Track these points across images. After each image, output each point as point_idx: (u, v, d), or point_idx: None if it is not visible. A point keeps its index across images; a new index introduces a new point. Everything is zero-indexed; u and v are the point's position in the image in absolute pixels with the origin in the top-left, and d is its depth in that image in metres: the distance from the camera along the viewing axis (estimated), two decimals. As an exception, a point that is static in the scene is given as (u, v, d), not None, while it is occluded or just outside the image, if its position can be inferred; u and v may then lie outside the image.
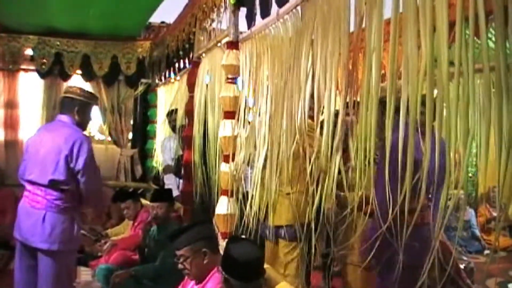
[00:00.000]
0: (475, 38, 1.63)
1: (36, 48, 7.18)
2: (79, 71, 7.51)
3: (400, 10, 1.89)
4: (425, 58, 1.73)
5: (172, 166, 6.27)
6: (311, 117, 2.63)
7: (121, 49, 7.39)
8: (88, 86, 7.68)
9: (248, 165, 3.51)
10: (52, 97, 7.78)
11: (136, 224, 5.65)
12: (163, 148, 6.74)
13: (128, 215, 5.85)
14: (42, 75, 7.40)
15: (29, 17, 6.43)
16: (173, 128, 6.35)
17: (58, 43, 7.23)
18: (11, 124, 7.61)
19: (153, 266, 4.59)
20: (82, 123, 4.15)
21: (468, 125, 1.65)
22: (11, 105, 7.46)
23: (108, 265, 5.17)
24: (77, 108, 4.07)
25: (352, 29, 2.28)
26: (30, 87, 7.73)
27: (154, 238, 4.82)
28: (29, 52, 7.30)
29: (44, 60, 7.24)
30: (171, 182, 6.10)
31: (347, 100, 2.25)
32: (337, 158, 2.24)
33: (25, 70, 7.60)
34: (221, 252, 3.34)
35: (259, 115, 3.26)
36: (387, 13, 1.99)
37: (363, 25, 2.14)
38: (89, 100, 4.18)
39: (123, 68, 7.43)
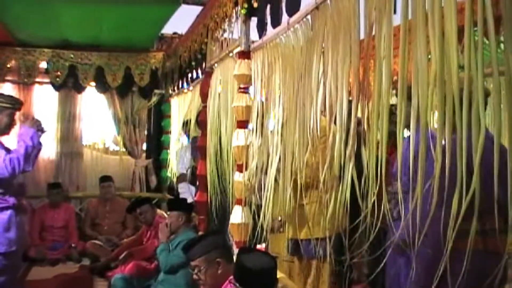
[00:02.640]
0: (485, 41, 1.62)
1: (51, 61, 7.26)
2: (93, 83, 7.60)
3: (409, 17, 1.89)
4: (435, 64, 1.73)
5: (186, 175, 6.30)
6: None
7: (134, 61, 7.45)
8: (102, 98, 7.79)
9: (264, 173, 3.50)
10: (67, 110, 7.89)
11: (152, 228, 5.69)
12: (179, 158, 6.77)
13: (144, 220, 5.88)
14: (57, 88, 7.49)
15: (43, 31, 6.50)
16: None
17: (72, 55, 7.30)
18: (27, 137, 7.65)
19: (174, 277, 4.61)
20: None
21: (479, 130, 1.64)
22: (26, 117, 7.51)
23: (124, 275, 5.18)
24: None
25: (362, 36, 2.29)
26: (45, 99, 7.82)
27: (169, 248, 4.82)
28: (43, 65, 7.38)
29: (59, 73, 7.31)
30: (185, 191, 6.11)
31: (359, 107, 2.25)
32: (350, 166, 2.24)
33: (40, 83, 7.68)
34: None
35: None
36: (396, 19, 2.00)
37: (373, 33, 2.15)
38: (2, 103, 4.15)
39: (136, 80, 7.48)
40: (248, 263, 2.85)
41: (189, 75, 6.08)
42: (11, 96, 4.41)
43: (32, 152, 4.11)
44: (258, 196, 3.47)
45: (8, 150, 4.09)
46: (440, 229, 1.76)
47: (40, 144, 4.20)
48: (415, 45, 1.82)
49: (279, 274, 3.09)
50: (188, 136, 6.37)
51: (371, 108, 2.12)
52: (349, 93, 2.40)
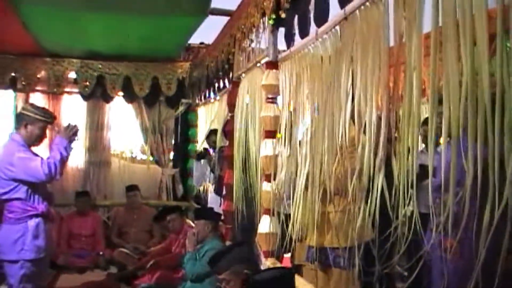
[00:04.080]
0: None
1: (79, 71, 7.35)
2: (121, 93, 7.67)
3: (439, 24, 1.88)
4: (466, 72, 1.72)
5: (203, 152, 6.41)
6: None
7: (161, 70, 7.52)
8: (130, 108, 7.86)
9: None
10: (95, 119, 7.98)
11: (180, 237, 5.72)
12: (196, 167, 6.83)
13: (173, 228, 5.92)
14: (85, 98, 7.58)
15: (71, 42, 6.59)
16: (214, 149, 6.40)
17: (100, 66, 7.39)
18: (56, 146, 7.74)
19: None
20: (29, 139, 4.24)
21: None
22: (55, 127, 7.59)
23: (151, 284, 5.21)
24: (25, 123, 4.22)
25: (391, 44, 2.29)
26: (73, 109, 7.90)
27: (196, 257, 4.83)
28: (72, 75, 7.48)
29: (87, 83, 7.40)
30: (213, 201, 6.12)
31: (389, 118, 2.24)
32: (380, 177, 2.23)
33: (69, 92, 7.77)
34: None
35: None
36: (426, 27, 1.99)
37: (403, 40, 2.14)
38: (36, 115, 4.24)
39: (163, 89, 7.55)
40: (262, 276, 2.86)
41: (216, 84, 6.10)
42: (45, 109, 4.49)
43: (65, 160, 4.21)
44: (286, 205, 3.47)
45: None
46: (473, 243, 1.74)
47: (69, 155, 4.30)
48: (446, 53, 1.81)
49: (306, 285, 3.09)
50: (214, 148, 6.37)
51: (401, 118, 2.12)
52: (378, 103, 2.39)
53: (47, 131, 4.49)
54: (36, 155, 4.22)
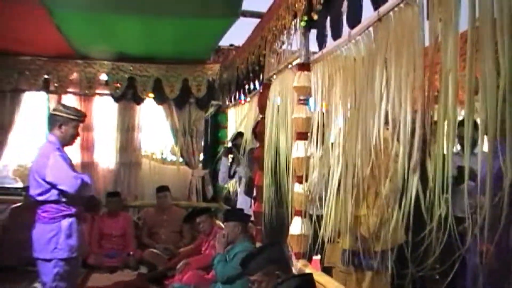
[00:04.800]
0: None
1: (110, 73, 7.47)
2: (151, 95, 7.74)
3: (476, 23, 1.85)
4: (503, 73, 1.69)
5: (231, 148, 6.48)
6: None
7: (191, 72, 7.60)
8: (160, 109, 7.91)
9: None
10: (125, 120, 8.05)
11: (210, 238, 5.74)
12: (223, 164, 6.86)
13: (203, 229, 5.94)
14: (116, 99, 7.70)
15: (103, 44, 6.68)
16: (239, 151, 6.39)
17: (131, 68, 7.49)
18: (87, 147, 7.87)
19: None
20: (64, 139, 4.34)
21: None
22: (87, 128, 7.69)
23: (182, 285, 5.24)
24: (59, 123, 4.31)
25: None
26: (105, 110, 8.01)
27: (226, 258, 4.84)
28: (103, 77, 7.59)
29: (118, 85, 7.53)
30: (243, 201, 6.13)
31: (424, 120, 2.22)
32: (414, 179, 2.21)
33: (100, 94, 7.87)
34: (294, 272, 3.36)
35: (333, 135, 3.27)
36: (461, 27, 1.97)
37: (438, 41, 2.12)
38: (69, 115, 4.34)
39: (193, 91, 7.63)
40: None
41: (246, 86, 6.11)
42: (76, 109, 4.60)
43: (87, 188, 4.36)
44: (318, 207, 3.45)
45: (73, 169, 4.34)
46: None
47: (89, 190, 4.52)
48: (482, 53, 1.79)
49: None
50: (239, 151, 6.37)
51: (437, 120, 2.10)
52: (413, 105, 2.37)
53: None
54: (71, 165, 4.31)
